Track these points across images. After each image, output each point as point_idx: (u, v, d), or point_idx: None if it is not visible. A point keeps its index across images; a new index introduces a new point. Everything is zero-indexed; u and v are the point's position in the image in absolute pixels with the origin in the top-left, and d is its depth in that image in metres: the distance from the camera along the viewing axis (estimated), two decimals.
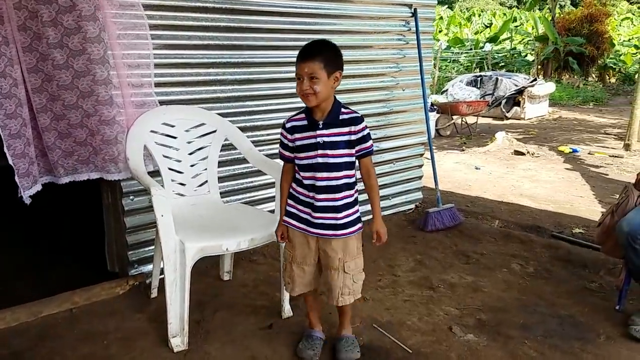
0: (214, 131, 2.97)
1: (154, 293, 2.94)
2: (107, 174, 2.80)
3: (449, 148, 8.38)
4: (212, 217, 2.78)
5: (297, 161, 2.26)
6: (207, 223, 2.69)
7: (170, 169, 2.86)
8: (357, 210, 2.31)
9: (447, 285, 3.20)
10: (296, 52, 3.43)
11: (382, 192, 4.29)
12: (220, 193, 3.05)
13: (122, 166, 2.77)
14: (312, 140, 2.19)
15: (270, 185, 3.46)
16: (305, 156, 2.22)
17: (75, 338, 2.52)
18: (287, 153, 2.29)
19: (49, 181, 2.80)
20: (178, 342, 2.49)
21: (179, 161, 2.90)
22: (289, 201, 2.34)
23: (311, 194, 2.24)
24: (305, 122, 2.21)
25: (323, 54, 2.13)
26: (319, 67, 2.10)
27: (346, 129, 2.17)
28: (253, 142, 3.14)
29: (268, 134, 3.46)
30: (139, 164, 2.64)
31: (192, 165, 2.94)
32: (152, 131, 2.81)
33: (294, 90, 3.53)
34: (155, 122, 2.83)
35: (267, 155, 3.02)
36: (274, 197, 3.43)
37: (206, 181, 2.97)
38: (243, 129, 3.20)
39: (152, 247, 3.04)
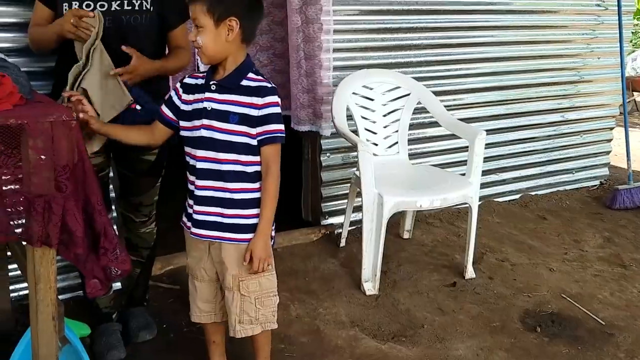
0: (408, 94, 3.10)
1: (343, 242, 3.19)
2: (297, 125, 3.11)
3: (630, 126, 7.67)
4: (403, 176, 2.93)
5: (181, 132, 1.75)
6: (400, 181, 2.85)
7: (365, 129, 3.05)
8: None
9: None
10: (489, 17, 3.52)
11: (565, 165, 4.14)
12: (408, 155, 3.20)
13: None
14: (199, 105, 1.70)
15: (457, 149, 3.55)
16: (190, 126, 1.71)
17: (282, 273, 2.84)
18: (167, 112, 1.77)
19: None
20: (370, 286, 2.70)
21: (374, 122, 3.08)
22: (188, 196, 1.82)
23: (191, 179, 1.75)
24: (202, 81, 1.72)
25: None
26: (200, 9, 1.60)
27: (246, 99, 1.66)
28: None
29: (456, 99, 3.52)
30: (343, 122, 2.86)
31: (384, 127, 3.11)
32: (353, 93, 3.02)
33: (484, 55, 3.62)
34: (357, 84, 3.02)
35: (468, 119, 3.11)
36: (460, 161, 3.56)
37: (396, 142, 3.12)
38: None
39: (343, 200, 3.29)
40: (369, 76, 3.07)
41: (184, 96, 1.75)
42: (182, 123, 1.75)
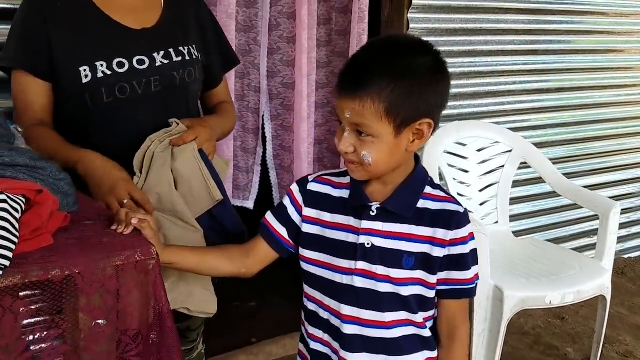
0: (509, 151, 2.56)
1: None
2: None
3: None
4: (512, 256, 2.37)
5: (304, 265, 1.15)
6: (511, 263, 2.28)
7: (458, 194, 2.50)
8: None
9: None
10: (601, 58, 2.95)
11: None
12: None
13: None
14: (349, 237, 1.09)
15: (570, 207, 3.05)
16: (329, 263, 1.11)
17: None
18: (280, 229, 1.16)
19: None
20: None
21: (468, 186, 2.53)
22: (301, 346, 1.23)
23: (333, 345, 1.13)
24: (345, 194, 1.12)
25: (387, 80, 0.99)
26: (371, 111, 0.99)
27: (426, 231, 1.07)
28: None
29: (550, 153, 2.99)
30: None
31: (480, 190, 2.56)
32: (444, 151, 2.47)
33: (597, 100, 3.03)
34: (449, 141, 2.48)
35: (565, 174, 2.56)
36: (573, 221, 3.12)
37: (495, 209, 2.57)
38: None
39: None
40: (461, 130, 2.52)
41: (307, 211, 1.14)
42: (307, 253, 1.14)
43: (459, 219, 1.08)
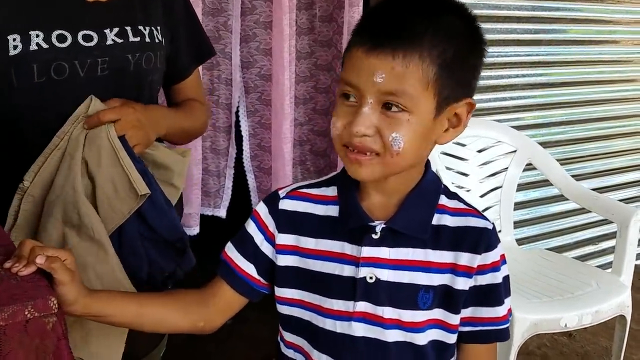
0: (513, 151, 2.31)
1: None
2: None
3: None
4: (520, 271, 2.11)
5: (283, 308, 0.89)
6: (519, 280, 2.03)
7: None
8: None
9: None
10: (611, 49, 2.71)
11: None
12: None
13: None
14: (344, 270, 0.84)
15: (573, 213, 2.81)
16: (317, 305, 0.86)
17: None
18: (245, 267, 0.88)
19: None
20: None
21: (468, 190, 2.28)
22: None
23: None
24: (333, 212, 0.86)
25: (441, 36, 0.75)
26: (419, 74, 0.74)
27: (447, 257, 0.84)
28: None
29: (570, 151, 2.78)
30: None
31: (481, 196, 2.31)
32: (441, 152, 2.21)
33: (606, 95, 2.78)
34: None
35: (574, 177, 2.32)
36: (576, 227, 2.88)
37: (498, 217, 2.32)
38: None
39: None
40: None
41: (282, 238, 0.87)
42: (286, 292, 0.87)
43: (487, 239, 0.84)
